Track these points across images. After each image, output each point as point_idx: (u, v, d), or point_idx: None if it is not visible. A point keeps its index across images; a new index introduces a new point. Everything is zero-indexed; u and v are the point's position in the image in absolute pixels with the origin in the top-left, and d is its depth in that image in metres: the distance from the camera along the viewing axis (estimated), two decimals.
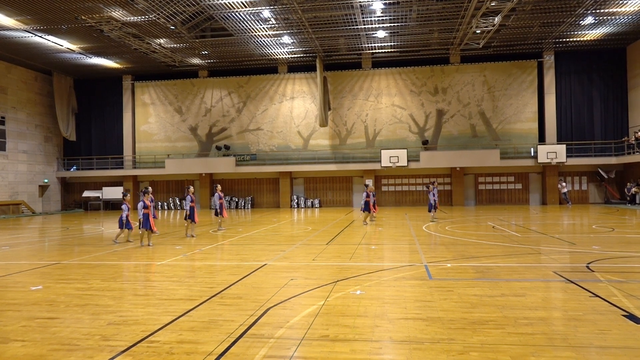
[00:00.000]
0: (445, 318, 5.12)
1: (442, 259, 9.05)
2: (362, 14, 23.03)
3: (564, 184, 28.04)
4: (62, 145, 34.82)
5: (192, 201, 14.05)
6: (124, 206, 12.62)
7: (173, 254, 10.48)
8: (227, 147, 32.44)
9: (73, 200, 34.70)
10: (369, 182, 29.67)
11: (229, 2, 21.32)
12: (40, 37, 25.01)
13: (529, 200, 30.07)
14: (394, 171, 30.48)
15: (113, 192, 32.66)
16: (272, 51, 28.91)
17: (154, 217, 14.84)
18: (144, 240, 12.11)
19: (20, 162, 30.81)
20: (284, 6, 21.87)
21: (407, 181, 31.16)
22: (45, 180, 32.91)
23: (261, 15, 22.94)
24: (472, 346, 4.26)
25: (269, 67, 32.30)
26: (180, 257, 10.10)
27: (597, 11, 22.84)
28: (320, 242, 12.25)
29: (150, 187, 15.45)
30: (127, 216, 12.51)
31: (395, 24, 24.51)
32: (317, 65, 29.23)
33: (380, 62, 31.24)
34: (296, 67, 32.01)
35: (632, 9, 22.46)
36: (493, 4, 21.09)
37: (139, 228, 11.93)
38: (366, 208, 17.47)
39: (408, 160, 29.12)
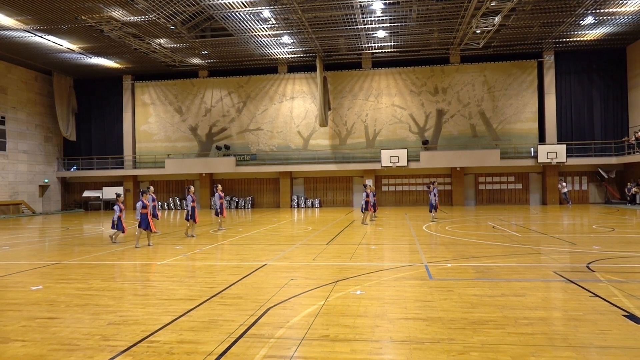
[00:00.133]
0: (445, 318, 5.12)
1: (442, 259, 9.05)
2: (362, 14, 23.03)
3: (564, 184, 28.04)
4: (62, 145, 34.82)
5: (193, 201, 14.05)
6: (115, 207, 12.65)
7: (173, 254, 10.48)
8: (227, 147, 32.44)
9: (73, 200, 34.70)
10: (369, 182, 29.69)
11: (229, 2, 21.32)
12: (40, 37, 25.01)
13: (529, 200, 30.07)
14: (394, 171, 30.48)
15: (113, 192, 32.62)
16: (272, 51, 28.91)
17: (156, 217, 14.89)
18: (140, 241, 12.01)
19: (20, 162, 30.81)
20: (284, 6, 21.87)
21: (407, 181, 31.16)
22: (46, 180, 32.92)
23: (261, 15, 22.94)
24: (472, 346, 4.26)
25: (269, 67, 32.30)
26: (180, 257, 10.10)
27: (597, 11, 22.84)
28: (320, 242, 12.25)
29: (151, 187, 15.48)
30: (118, 217, 12.48)
31: (395, 24, 24.50)
32: (317, 65, 29.23)
33: (380, 62, 31.23)
34: (296, 67, 32.01)
35: (632, 9, 22.46)
36: (493, 4, 21.08)
37: (138, 228, 11.88)
38: (366, 208, 17.48)
39: (408, 160, 29.12)
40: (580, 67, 29.61)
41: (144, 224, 11.71)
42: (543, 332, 4.61)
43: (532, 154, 29.11)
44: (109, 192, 32.81)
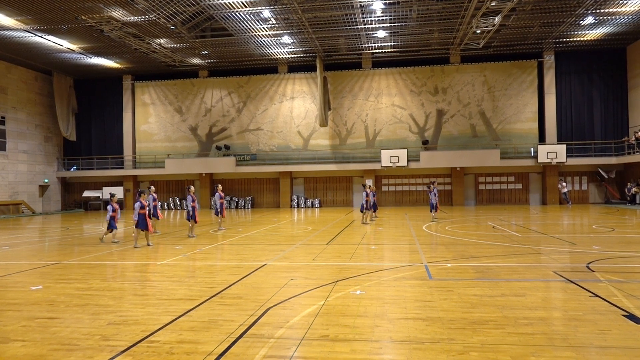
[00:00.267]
0: (445, 318, 5.12)
1: (442, 259, 9.05)
2: (362, 14, 23.03)
3: (564, 184, 28.04)
4: (62, 145, 34.83)
5: (193, 201, 14.05)
6: (109, 207, 12.73)
7: (173, 254, 10.48)
8: (227, 147, 32.45)
9: (73, 200, 34.70)
10: (369, 181, 29.70)
11: (229, 2, 21.32)
12: (40, 37, 25.02)
13: (529, 200, 30.07)
14: (394, 171, 30.48)
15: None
16: (272, 51, 28.91)
17: (156, 217, 14.87)
18: (139, 242, 12.00)
19: (20, 162, 30.82)
20: (284, 6, 21.87)
21: (407, 181, 31.16)
22: (46, 180, 32.92)
23: (261, 15, 22.94)
24: (472, 346, 4.26)
25: (269, 67, 32.30)
26: (180, 257, 10.10)
27: (597, 11, 22.84)
28: (320, 242, 12.25)
29: (152, 187, 15.48)
30: (111, 217, 12.64)
31: (395, 24, 24.50)
32: (317, 65, 29.24)
33: (380, 62, 31.23)
34: (296, 67, 32.01)
35: (632, 9, 22.46)
36: (493, 4, 21.08)
37: (135, 228, 11.85)
38: (366, 207, 17.48)
39: (408, 160, 29.12)
40: (580, 67, 29.61)
41: (142, 225, 11.69)
42: (543, 332, 4.61)
43: (532, 154, 29.11)
44: (108, 192, 32.77)
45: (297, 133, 32.10)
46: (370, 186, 18.58)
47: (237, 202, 32.05)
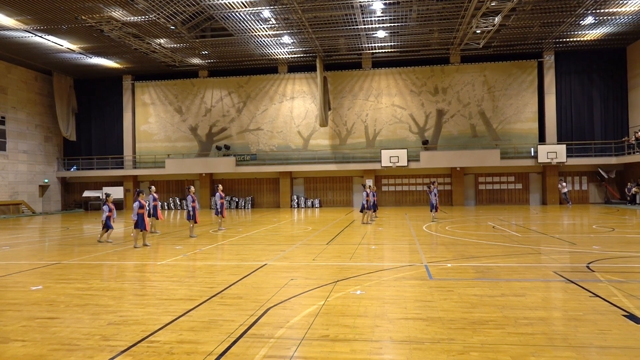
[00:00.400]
0: (445, 318, 5.12)
1: (442, 259, 9.05)
2: (362, 14, 23.03)
3: (564, 184, 28.05)
4: (62, 145, 34.83)
5: (193, 201, 14.05)
6: (105, 207, 12.72)
7: (173, 254, 10.48)
8: (227, 147, 32.45)
9: (73, 200, 34.70)
10: (369, 181, 29.71)
11: (229, 2, 21.32)
12: (40, 37, 25.02)
13: (529, 200, 30.07)
14: (394, 171, 30.48)
15: (113, 192, 32.51)
16: (272, 51, 28.91)
17: (157, 217, 14.87)
18: (138, 242, 12.00)
19: (20, 162, 30.82)
20: (284, 6, 21.87)
21: (407, 181, 31.16)
22: (46, 180, 32.92)
23: (261, 15, 22.94)
24: (472, 346, 4.26)
25: (269, 67, 32.30)
26: (180, 257, 10.10)
27: (597, 11, 22.84)
28: (320, 242, 12.25)
29: (153, 187, 15.48)
30: (107, 217, 12.69)
31: (395, 24, 24.50)
32: (317, 65, 29.24)
33: (380, 62, 31.23)
34: (296, 67, 32.02)
35: (632, 9, 22.46)
36: (493, 4, 21.08)
37: (134, 228, 11.82)
38: (367, 207, 17.48)
39: (408, 160, 29.12)
40: (580, 67, 29.62)
41: (141, 225, 11.68)
42: (543, 332, 4.61)
43: (532, 154, 29.11)
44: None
45: (297, 133, 32.10)
46: (370, 186, 18.58)
47: (237, 202, 32.05)
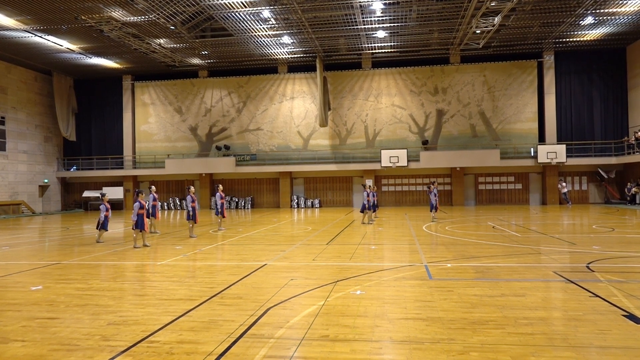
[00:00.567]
0: (445, 318, 5.12)
1: (442, 259, 9.05)
2: (362, 14, 23.03)
3: (564, 184, 28.05)
4: (62, 145, 34.82)
5: (193, 201, 14.04)
6: (101, 206, 12.69)
7: (173, 254, 10.48)
8: (227, 147, 32.45)
9: (73, 200, 34.70)
10: (369, 181, 29.71)
11: (229, 2, 21.32)
12: (40, 37, 25.01)
13: (529, 200, 30.07)
14: (394, 171, 30.48)
15: (113, 192, 32.62)
16: (272, 51, 28.91)
17: (154, 216, 14.87)
18: (138, 242, 11.98)
19: (20, 162, 30.81)
20: (284, 6, 21.87)
21: (407, 181, 31.16)
22: (45, 180, 32.91)
23: (261, 15, 22.94)
24: (472, 346, 4.26)
25: (269, 67, 32.30)
26: (180, 257, 10.10)
27: (597, 11, 22.84)
28: (320, 242, 12.25)
29: (153, 187, 15.48)
30: (105, 217, 12.67)
31: (395, 24, 24.50)
32: (317, 65, 29.24)
33: (380, 62, 31.23)
34: (296, 67, 32.02)
35: (632, 9, 22.46)
36: (493, 4, 21.08)
37: (133, 229, 11.80)
38: (367, 207, 17.47)
39: (408, 160, 29.12)
40: (580, 67, 29.62)
41: (141, 225, 11.67)
42: (543, 332, 4.62)
43: (532, 154, 29.11)
44: (108, 193, 32.71)
45: (297, 133, 32.10)
46: (370, 186, 18.57)
47: (237, 202, 32.05)
